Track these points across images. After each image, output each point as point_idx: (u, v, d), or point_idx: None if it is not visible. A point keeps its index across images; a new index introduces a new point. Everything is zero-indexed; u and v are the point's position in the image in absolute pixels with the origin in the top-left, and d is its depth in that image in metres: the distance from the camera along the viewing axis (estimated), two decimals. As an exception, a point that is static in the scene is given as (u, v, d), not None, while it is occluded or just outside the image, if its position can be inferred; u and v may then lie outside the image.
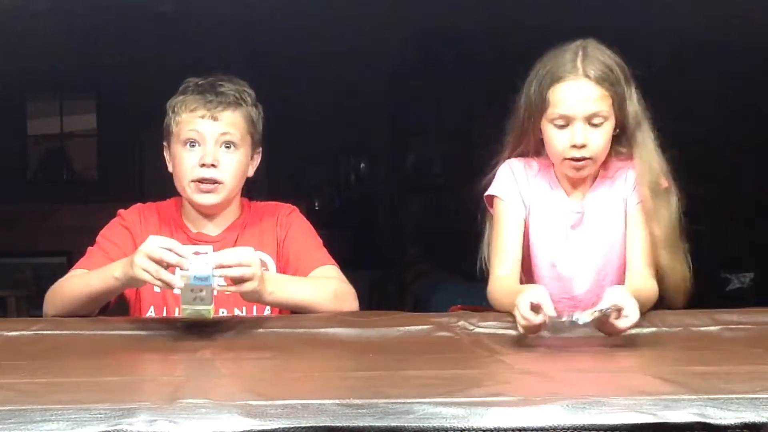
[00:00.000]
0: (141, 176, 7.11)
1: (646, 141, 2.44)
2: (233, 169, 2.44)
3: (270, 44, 6.70)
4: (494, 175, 2.52)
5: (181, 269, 2.09)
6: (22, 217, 6.78)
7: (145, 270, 2.11)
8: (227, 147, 2.43)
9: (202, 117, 2.42)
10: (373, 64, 7.07)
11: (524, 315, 2.11)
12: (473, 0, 6.26)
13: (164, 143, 2.52)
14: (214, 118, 2.42)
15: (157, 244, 2.12)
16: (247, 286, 2.15)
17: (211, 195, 2.43)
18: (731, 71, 6.66)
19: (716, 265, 6.81)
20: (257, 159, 2.54)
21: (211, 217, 2.50)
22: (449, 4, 6.40)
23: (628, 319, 2.12)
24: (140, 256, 2.12)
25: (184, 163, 2.43)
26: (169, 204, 2.55)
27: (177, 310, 2.38)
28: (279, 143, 7.25)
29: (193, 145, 2.43)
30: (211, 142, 2.42)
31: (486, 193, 2.52)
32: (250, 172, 2.53)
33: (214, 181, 2.42)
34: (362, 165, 7.78)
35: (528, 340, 2.15)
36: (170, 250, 2.10)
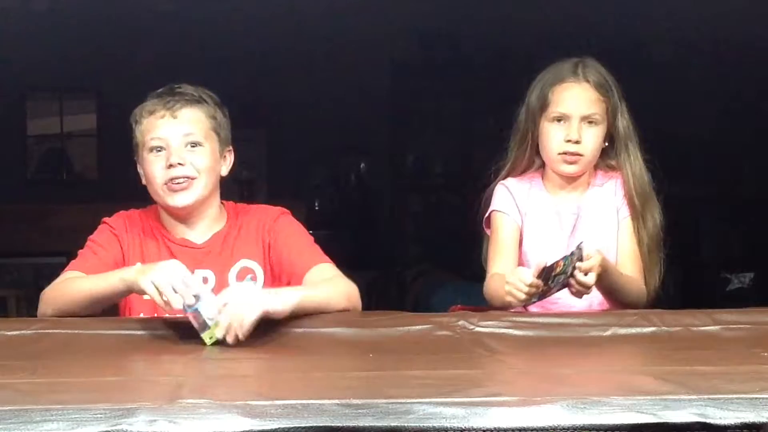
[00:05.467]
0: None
1: (634, 156, 2.56)
2: (201, 164, 2.42)
3: (270, 44, 6.70)
4: (488, 199, 2.61)
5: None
6: (22, 217, 6.77)
7: (153, 283, 2.12)
8: (192, 146, 2.42)
9: (162, 117, 2.42)
10: (373, 64, 7.07)
11: (531, 282, 2.21)
12: (473, 0, 6.26)
13: (135, 158, 2.51)
14: (174, 116, 2.41)
15: (177, 270, 2.14)
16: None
17: (184, 194, 2.41)
18: (731, 71, 6.66)
19: (716, 265, 6.81)
20: (229, 158, 2.52)
21: (189, 222, 2.47)
22: (449, 4, 6.41)
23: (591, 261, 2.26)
24: (157, 271, 2.14)
25: (153, 168, 2.42)
26: (150, 211, 2.54)
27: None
28: (279, 143, 7.30)
29: (159, 151, 2.42)
30: (175, 143, 2.41)
31: (485, 215, 2.60)
32: (224, 171, 2.50)
33: (185, 177, 2.40)
34: (362, 165, 7.77)
35: (528, 340, 2.16)
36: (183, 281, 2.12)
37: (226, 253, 2.45)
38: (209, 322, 2.08)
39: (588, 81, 2.52)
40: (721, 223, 7.02)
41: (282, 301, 2.17)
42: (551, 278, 2.23)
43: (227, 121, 2.52)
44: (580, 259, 2.27)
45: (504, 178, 2.62)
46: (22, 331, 2.16)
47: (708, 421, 1.47)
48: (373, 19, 6.46)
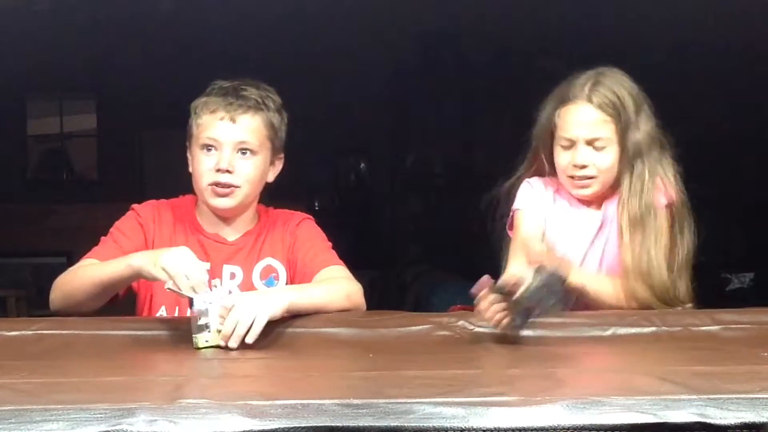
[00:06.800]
0: (141, 176, 7.12)
1: (642, 171, 2.48)
2: (249, 175, 2.46)
3: (270, 44, 6.69)
4: (509, 203, 2.56)
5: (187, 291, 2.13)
6: (22, 217, 6.78)
7: (164, 269, 2.13)
8: (243, 153, 2.45)
9: (221, 119, 2.44)
10: (373, 64, 7.07)
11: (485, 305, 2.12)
12: (473, 0, 6.26)
13: (187, 143, 2.53)
14: (233, 120, 2.44)
15: (189, 255, 2.15)
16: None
17: (226, 199, 2.46)
18: (731, 71, 6.66)
19: (716, 265, 6.81)
20: (279, 165, 2.57)
21: (227, 221, 2.52)
22: (449, 4, 6.41)
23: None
24: (169, 255, 2.16)
25: (201, 167, 2.45)
26: (184, 202, 2.57)
27: (189, 311, 2.40)
28: (279, 143, 7.29)
29: (210, 149, 2.45)
30: (228, 148, 2.44)
31: (510, 215, 2.56)
32: (270, 178, 2.55)
33: (229, 185, 2.44)
34: (362, 165, 7.78)
35: (528, 340, 2.16)
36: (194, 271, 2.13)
37: (254, 251, 2.51)
38: (212, 326, 2.08)
39: (591, 102, 2.44)
40: (721, 223, 7.02)
41: (275, 305, 2.18)
42: (518, 293, 2.10)
43: (285, 126, 2.55)
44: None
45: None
46: (22, 332, 2.17)
47: (708, 421, 1.47)
48: (373, 20, 6.46)
